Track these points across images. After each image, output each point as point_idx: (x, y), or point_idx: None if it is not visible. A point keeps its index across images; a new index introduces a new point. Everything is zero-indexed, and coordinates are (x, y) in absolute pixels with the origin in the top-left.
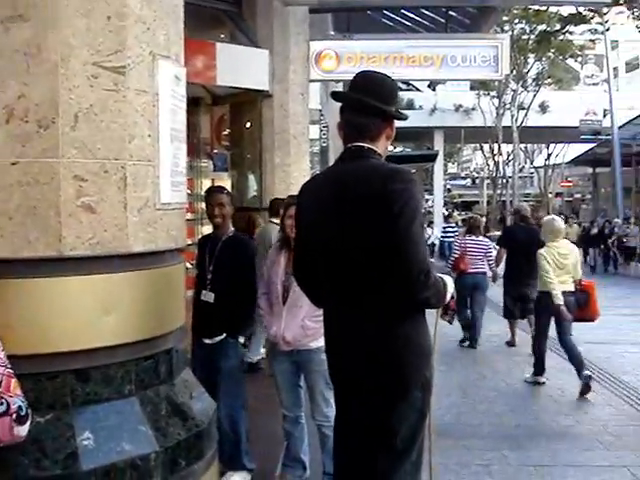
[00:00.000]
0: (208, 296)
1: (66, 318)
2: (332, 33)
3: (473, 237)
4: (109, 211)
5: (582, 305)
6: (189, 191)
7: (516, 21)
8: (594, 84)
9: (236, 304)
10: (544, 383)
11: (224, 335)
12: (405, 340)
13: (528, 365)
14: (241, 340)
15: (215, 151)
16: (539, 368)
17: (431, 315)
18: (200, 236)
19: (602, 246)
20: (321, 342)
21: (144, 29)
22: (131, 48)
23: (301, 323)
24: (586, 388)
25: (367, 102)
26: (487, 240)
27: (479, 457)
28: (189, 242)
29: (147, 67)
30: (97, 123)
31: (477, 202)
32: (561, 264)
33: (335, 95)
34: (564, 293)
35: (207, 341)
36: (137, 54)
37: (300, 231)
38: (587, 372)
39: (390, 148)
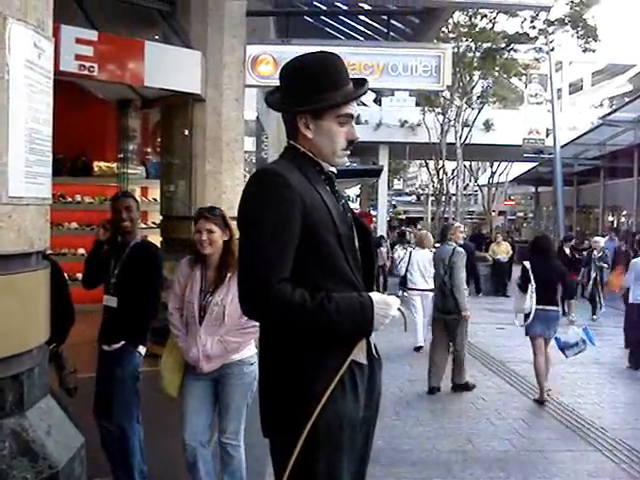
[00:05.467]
0: (111, 301)
1: None
2: (273, 39)
3: None
4: None
5: None
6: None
7: (462, 39)
8: (538, 103)
9: (138, 312)
10: None
11: (122, 343)
12: (271, 374)
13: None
14: (141, 351)
15: (149, 157)
16: None
17: None
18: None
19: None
20: (245, 354)
21: None
22: None
23: (220, 339)
24: None
25: (269, 102)
26: None
27: None
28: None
29: None
30: None
31: (421, 218)
32: None
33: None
34: None
35: (105, 348)
36: None
37: None
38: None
39: None
